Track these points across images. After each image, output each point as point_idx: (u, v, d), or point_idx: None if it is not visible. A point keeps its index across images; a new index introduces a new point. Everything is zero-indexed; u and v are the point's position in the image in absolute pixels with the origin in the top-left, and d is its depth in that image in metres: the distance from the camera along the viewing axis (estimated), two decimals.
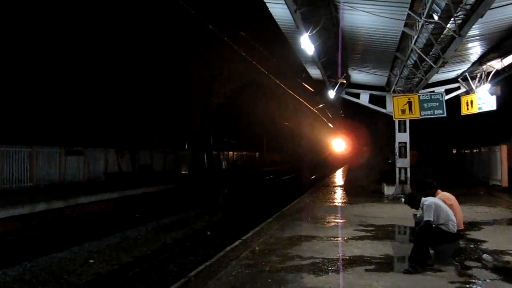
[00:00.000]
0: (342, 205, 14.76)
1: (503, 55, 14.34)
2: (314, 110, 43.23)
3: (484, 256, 7.44)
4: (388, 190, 17.49)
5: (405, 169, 17.56)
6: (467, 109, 17.58)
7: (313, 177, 33.83)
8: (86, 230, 12.89)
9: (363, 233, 9.64)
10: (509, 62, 15.09)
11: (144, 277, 8.75)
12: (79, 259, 9.93)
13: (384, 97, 18.66)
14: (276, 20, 12.13)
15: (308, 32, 10.78)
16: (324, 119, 51.95)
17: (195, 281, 6.29)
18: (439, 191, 7.70)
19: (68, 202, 14.31)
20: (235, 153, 46.42)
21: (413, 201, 7.16)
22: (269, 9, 11.25)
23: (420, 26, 10.13)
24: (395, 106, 16.71)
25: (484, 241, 8.59)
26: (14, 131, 19.29)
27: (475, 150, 23.82)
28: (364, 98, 18.94)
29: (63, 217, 14.19)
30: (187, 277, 6.51)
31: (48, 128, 21.44)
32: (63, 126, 22.70)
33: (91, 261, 9.86)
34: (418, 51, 11.86)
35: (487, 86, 16.32)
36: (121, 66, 26.34)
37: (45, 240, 11.65)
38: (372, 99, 18.99)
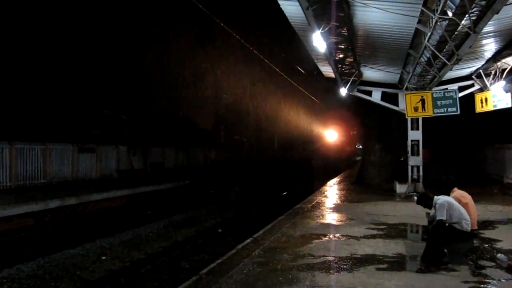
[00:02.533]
0: (354, 203, 14.67)
1: None
2: (326, 107, 43.10)
3: (499, 255, 7.33)
4: (400, 188, 17.36)
5: (418, 167, 17.43)
6: (482, 106, 17.38)
7: (324, 174, 33.69)
8: (99, 227, 13.00)
9: (375, 232, 9.58)
10: None
11: (156, 274, 8.80)
12: (91, 256, 10.03)
13: (397, 94, 18.52)
14: (288, 18, 12.08)
15: (320, 30, 10.72)
16: (334, 116, 51.64)
17: (206, 279, 6.29)
18: (455, 188, 7.62)
19: (80, 199, 14.41)
20: (245, 151, 46.37)
21: (426, 201, 7.10)
22: (281, 6, 11.20)
23: (433, 23, 10.02)
24: (407, 103, 16.58)
25: (498, 240, 8.48)
26: (27, 128, 19.47)
27: (489, 148, 23.53)
28: (376, 96, 18.82)
29: (76, 214, 14.31)
30: (199, 274, 6.51)
31: (60, 125, 21.62)
32: (76, 123, 22.88)
33: (104, 257, 9.95)
34: (432, 48, 11.72)
35: (501, 83, 16.11)
36: (134, 64, 26.46)
37: (58, 236, 11.78)
38: (385, 96, 18.86)
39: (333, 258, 7.25)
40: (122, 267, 9.26)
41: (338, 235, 9.23)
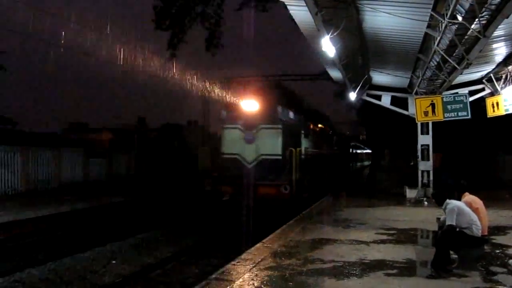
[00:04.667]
0: (364, 208, 14.61)
1: None
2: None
3: (510, 261, 7.28)
4: (410, 193, 17.25)
5: (428, 172, 17.33)
6: (493, 111, 17.22)
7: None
8: (109, 231, 13.03)
9: (385, 237, 9.54)
10: None
11: (165, 278, 8.82)
12: (102, 260, 10.07)
13: (406, 99, 18.47)
14: (297, 23, 12.12)
15: (329, 35, 10.72)
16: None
17: (215, 283, 6.28)
18: (466, 193, 7.57)
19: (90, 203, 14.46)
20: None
21: (441, 199, 7.07)
22: (290, 11, 11.25)
23: (443, 27, 9.98)
24: (417, 108, 16.51)
25: (510, 246, 8.40)
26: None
27: (501, 153, 23.35)
28: (385, 100, 18.78)
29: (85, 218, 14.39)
30: (209, 279, 6.51)
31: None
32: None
33: (114, 261, 9.99)
34: (441, 52, 11.68)
35: None
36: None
37: (69, 240, 11.86)
38: (394, 101, 18.80)
39: (343, 263, 7.22)
40: (132, 271, 9.30)
41: (347, 240, 9.19)
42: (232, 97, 14.21)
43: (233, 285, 6.12)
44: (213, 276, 6.58)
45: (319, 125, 19.49)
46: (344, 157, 28.13)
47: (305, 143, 15.52)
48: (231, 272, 6.75)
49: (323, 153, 19.70)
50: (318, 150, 18.14)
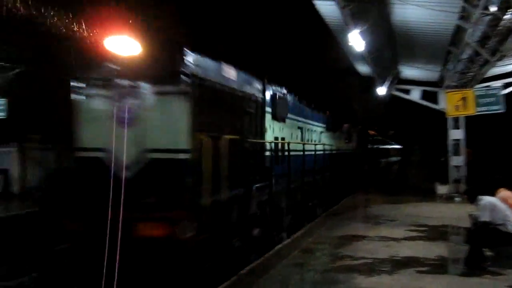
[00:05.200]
0: (394, 204, 14.42)
1: None
2: None
3: None
4: (442, 189, 16.92)
5: (460, 167, 16.97)
6: None
7: None
8: None
9: (415, 234, 9.40)
10: None
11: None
12: None
13: (436, 93, 18.10)
14: (324, 18, 12.05)
15: (358, 28, 10.61)
16: None
17: (246, 279, 6.33)
18: (502, 189, 7.38)
19: None
20: None
21: (473, 195, 6.94)
22: (316, 6, 11.18)
23: (475, 19, 9.75)
24: (448, 102, 16.15)
25: None
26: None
27: None
28: (415, 94, 18.48)
29: None
30: (238, 275, 6.56)
31: None
32: None
33: None
34: (473, 44, 11.42)
35: None
36: None
37: None
38: (423, 95, 18.47)
39: (373, 260, 7.16)
40: None
41: (377, 236, 9.10)
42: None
43: (261, 281, 6.14)
44: (242, 272, 6.61)
45: (315, 103, 12.80)
46: (362, 154, 20.86)
47: (275, 131, 9.33)
48: (260, 268, 6.78)
49: (323, 150, 13.36)
50: (309, 144, 11.97)
